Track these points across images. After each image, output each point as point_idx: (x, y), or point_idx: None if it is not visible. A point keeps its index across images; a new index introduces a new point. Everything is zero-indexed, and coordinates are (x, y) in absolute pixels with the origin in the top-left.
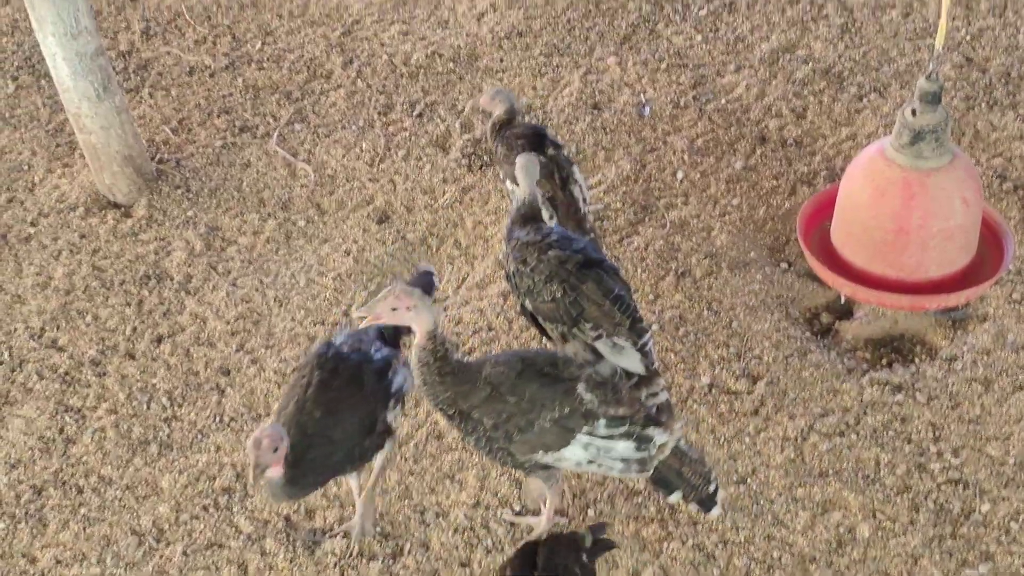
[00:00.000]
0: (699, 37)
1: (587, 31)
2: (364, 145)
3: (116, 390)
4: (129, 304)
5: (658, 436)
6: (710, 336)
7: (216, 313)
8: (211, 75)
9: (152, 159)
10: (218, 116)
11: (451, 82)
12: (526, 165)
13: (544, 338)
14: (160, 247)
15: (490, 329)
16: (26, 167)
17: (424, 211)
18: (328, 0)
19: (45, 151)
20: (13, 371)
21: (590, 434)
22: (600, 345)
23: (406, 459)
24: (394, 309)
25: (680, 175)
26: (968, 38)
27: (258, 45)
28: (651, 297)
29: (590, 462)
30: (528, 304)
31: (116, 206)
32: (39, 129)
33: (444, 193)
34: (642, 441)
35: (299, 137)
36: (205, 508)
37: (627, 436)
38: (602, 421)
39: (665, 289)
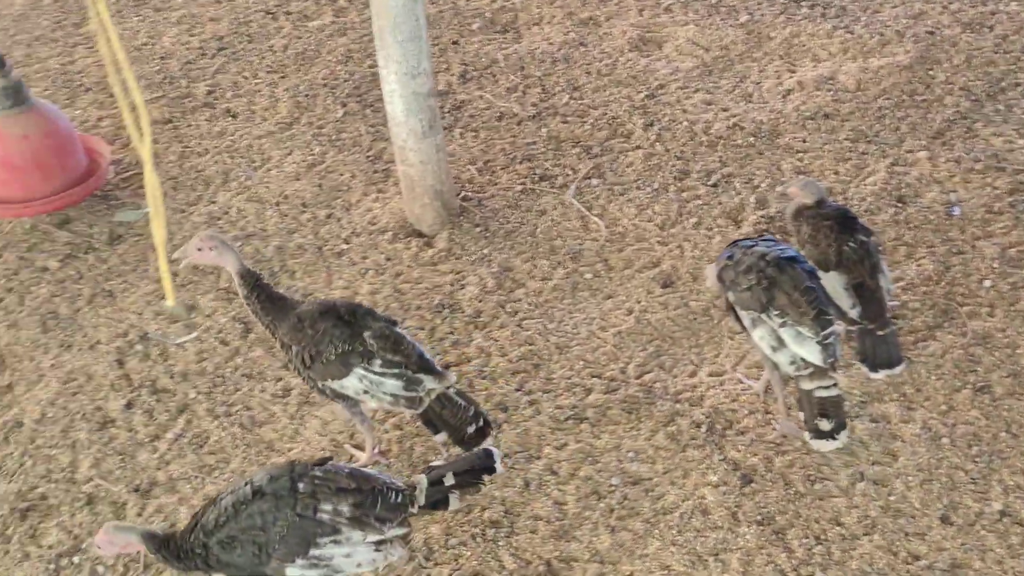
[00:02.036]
0: (1021, 141)
1: (898, 121)
2: (656, 208)
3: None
4: (423, 328)
5: (428, 381)
6: (1006, 460)
7: (500, 350)
8: (518, 122)
9: (457, 195)
10: (521, 162)
11: (749, 156)
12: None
13: (739, 327)
14: (455, 279)
15: (766, 412)
16: (345, 188)
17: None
18: (636, 62)
19: (364, 175)
20: None
21: (366, 369)
22: (784, 332)
23: (670, 528)
24: (199, 249)
25: (988, 283)
26: None
27: (565, 99)
28: (943, 408)
29: (365, 392)
30: (730, 296)
31: (420, 235)
32: (360, 154)
33: None
34: (411, 383)
35: (594, 192)
36: (473, 537)
37: (398, 376)
38: (378, 361)
39: (960, 402)
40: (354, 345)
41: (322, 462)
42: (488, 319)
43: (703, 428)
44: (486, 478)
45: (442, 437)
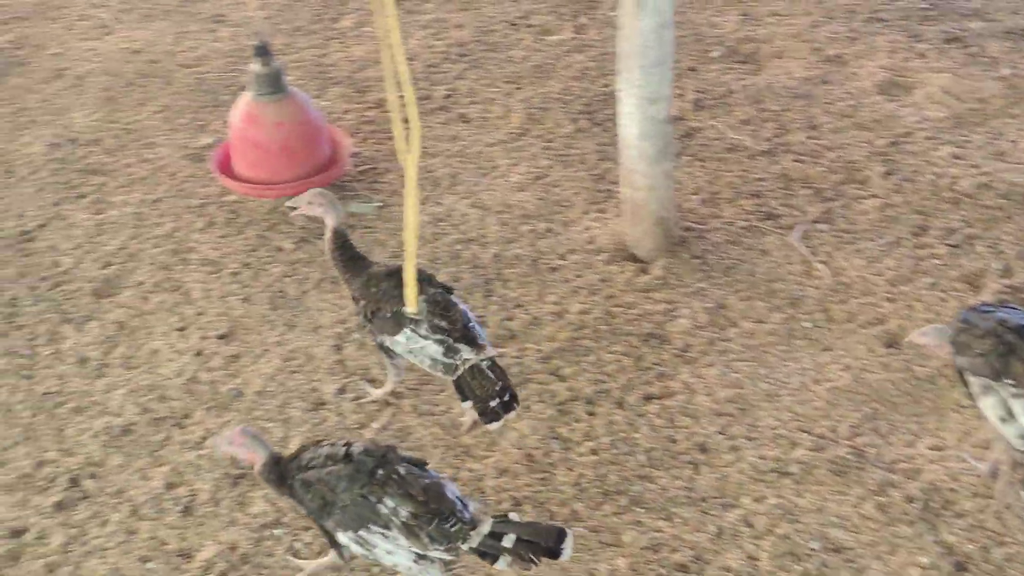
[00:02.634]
0: None
1: None
2: (888, 262)
3: (602, 433)
4: (629, 355)
5: (465, 351)
6: None
7: (706, 389)
8: (749, 156)
9: (679, 224)
10: (747, 197)
11: (997, 219)
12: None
13: (968, 392)
14: (667, 309)
15: (989, 498)
16: (567, 204)
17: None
18: (881, 106)
19: (586, 193)
20: (519, 385)
21: (413, 331)
22: (1016, 403)
23: None
24: (309, 203)
25: None
26: None
27: (801, 137)
28: None
29: (410, 352)
30: (960, 361)
31: (636, 260)
32: (585, 172)
33: None
34: (450, 350)
35: (821, 237)
36: None
37: (439, 343)
38: (425, 325)
39: None
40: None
41: (420, 463)
42: (697, 355)
43: (917, 504)
44: (546, 559)
45: (468, 404)
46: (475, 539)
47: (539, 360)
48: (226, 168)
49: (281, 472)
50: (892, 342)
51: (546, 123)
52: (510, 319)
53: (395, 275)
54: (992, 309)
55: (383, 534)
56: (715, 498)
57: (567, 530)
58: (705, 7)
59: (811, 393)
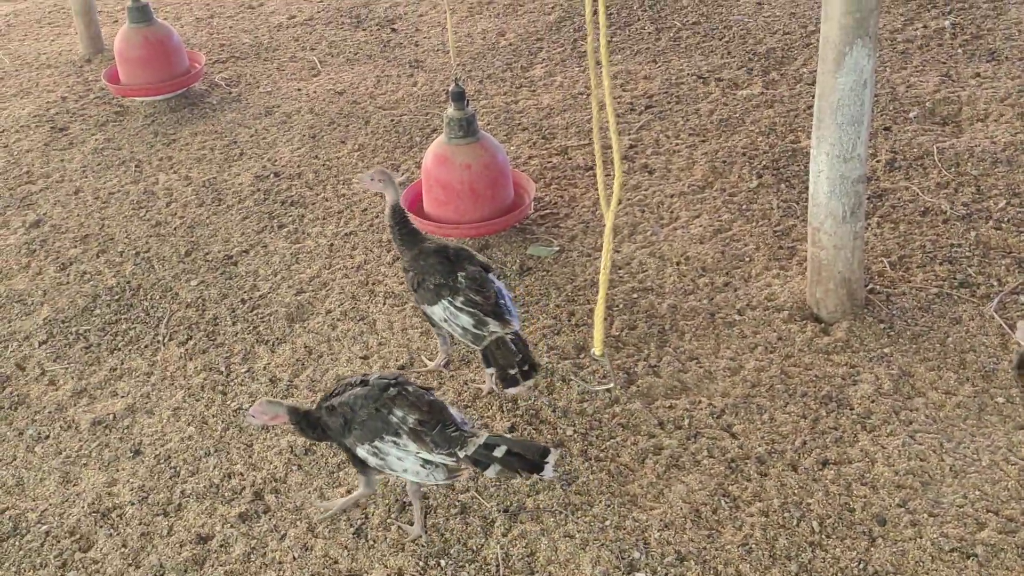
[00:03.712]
0: None
1: None
2: None
3: (773, 495)
4: (805, 417)
5: (492, 325)
6: None
7: (886, 458)
8: (944, 221)
9: (865, 286)
10: (940, 263)
11: None
12: None
13: None
14: (848, 373)
15: None
16: (748, 259)
17: None
18: None
19: (768, 249)
20: (688, 439)
21: (450, 302)
22: None
23: None
24: (371, 179)
25: None
26: None
27: (1002, 203)
28: None
29: (444, 320)
30: None
31: (817, 320)
32: (768, 227)
33: None
34: (480, 323)
35: (1021, 309)
36: None
37: (471, 315)
38: (460, 298)
39: None
40: (448, 280)
41: (427, 389)
42: (878, 423)
43: None
44: (531, 472)
45: (491, 370)
46: (471, 447)
47: (711, 415)
48: (416, 207)
49: (310, 419)
50: None
51: (730, 177)
52: (684, 371)
53: (442, 252)
54: None
55: (395, 441)
56: (891, 573)
57: (551, 448)
58: (903, 67)
59: (1001, 472)
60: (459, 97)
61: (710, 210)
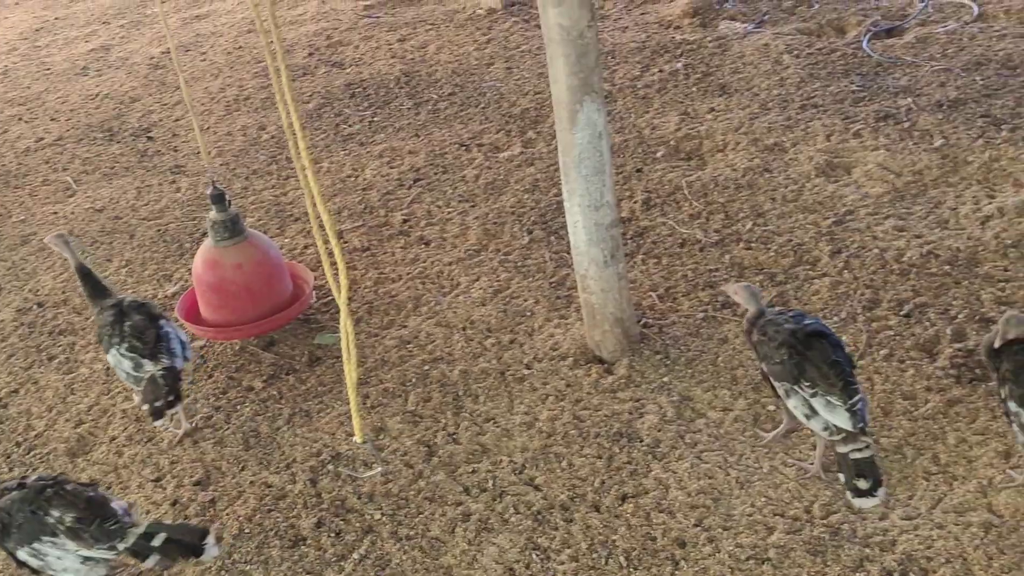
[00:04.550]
0: None
1: None
2: (844, 338)
3: (580, 538)
4: (600, 457)
5: (147, 365)
6: None
7: (679, 482)
8: (700, 249)
9: (638, 322)
10: (702, 289)
11: (945, 285)
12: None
13: (774, 395)
14: (634, 407)
15: (963, 558)
16: (529, 313)
17: (902, 417)
18: (823, 188)
19: (547, 300)
20: (494, 500)
21: (117, 350)
22: (815, 401)
23: None
24: (53, 244)
25: None
26: None
27: (749, 225)
28: None
29: (116, 365)
30: (764, 367)
31: (600, 361)
32: (543, 280)
33: (927, 402)
34: (138, 365)
35: None
36: None
37: (131, 360)
38: (125, 346)
39: None
40: (116, 329)
41: (89, 485)
42: (667, 449)
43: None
44: (192, 557)
45: (139, 400)
46: (131, 538)
47: (513, 471)
48: (193, 314)
49: None
50: None
51: (503, 237)
52: (482, 433)
53: (117, 305)
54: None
55: (52, 542)
56: None
57: (208, 529)
58: (646, 111)
59: (781, 475)
60: (219, 199)
61: (488, 272)
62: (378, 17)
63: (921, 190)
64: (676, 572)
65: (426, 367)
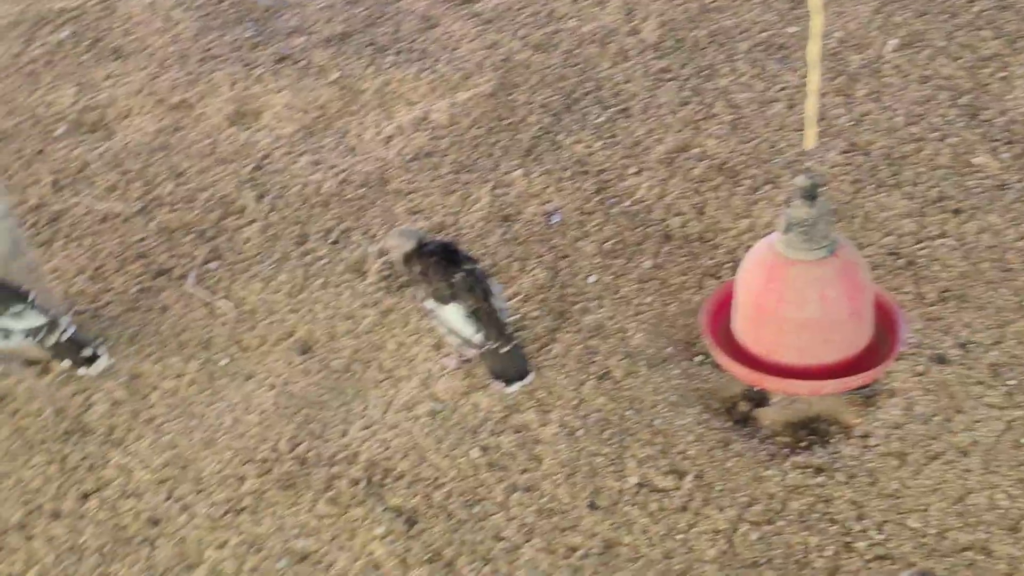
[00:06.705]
0: (599, 144)
1: (492, 146)
2: (282, 277)
3: (44, 553)
4: (52, 462)
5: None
6: (635, 435)
7: (142, 463)
8: (124, 221)
9: (68, 311)
10: (133, 261)
11: (363, 207)
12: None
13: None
14: (82, 401)
15: (416, 447)
16: None
17: (347, 337)
18: (236, 137)
19: None
20: None
21: None
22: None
23: None
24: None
25: (593, 279)
26: (850, 124)
27: (170, 187)
28: (575, 403)
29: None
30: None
31: (32, 362)
32: None
33: (365, 318)
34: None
35: (216, 276)
36: None
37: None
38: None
39: (587, 393)
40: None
41: None
42: (123, 433)
43: (361, 484)
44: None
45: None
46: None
47: None
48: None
49: None
50: (305, 348)
51: None
52: None
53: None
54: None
55: None
56: (177, 565)
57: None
58: (35, 87)
59: (245, 424)
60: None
61: None
62: None
63: (328, 123)
64: (155, 551)
65: None
